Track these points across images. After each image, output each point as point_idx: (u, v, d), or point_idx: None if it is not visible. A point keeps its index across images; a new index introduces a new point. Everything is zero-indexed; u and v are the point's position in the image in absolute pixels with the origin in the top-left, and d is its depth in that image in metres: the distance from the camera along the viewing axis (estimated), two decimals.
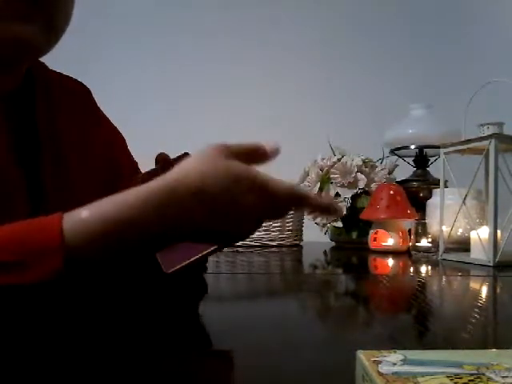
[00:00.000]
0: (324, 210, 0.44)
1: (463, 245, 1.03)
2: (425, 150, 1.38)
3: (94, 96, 0.72)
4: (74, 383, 0.28)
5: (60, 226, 0.36)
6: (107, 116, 0.74)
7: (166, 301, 0.51)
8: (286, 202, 0.42)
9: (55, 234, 0.36)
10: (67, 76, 0.67)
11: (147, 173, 0.52)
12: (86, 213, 0.37)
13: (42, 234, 0.36)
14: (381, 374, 0.22)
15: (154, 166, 0.53)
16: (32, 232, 0.36)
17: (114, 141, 0.73)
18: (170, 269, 0.47)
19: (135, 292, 0.51)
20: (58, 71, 0.67)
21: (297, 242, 1.32)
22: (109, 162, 0.70)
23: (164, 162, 0.51)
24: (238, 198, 0.39)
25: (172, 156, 0.51)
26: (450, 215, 1.02)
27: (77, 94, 0.68)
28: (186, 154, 0.52)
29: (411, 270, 0.90)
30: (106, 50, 1.81)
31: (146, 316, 0.45)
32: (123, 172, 0.73)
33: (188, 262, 0.47)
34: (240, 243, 1.18)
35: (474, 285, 0.75)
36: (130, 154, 0.76)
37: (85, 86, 0.70)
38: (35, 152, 0.57)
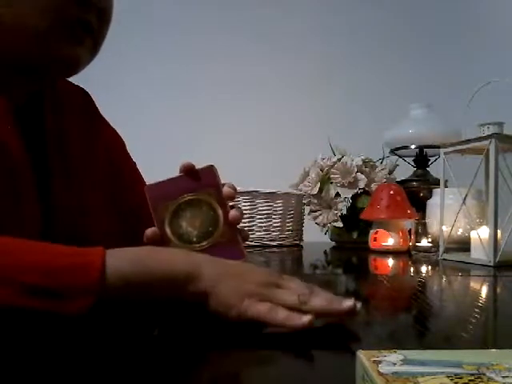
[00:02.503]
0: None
1: (463, 245, 1.03)
2: (425, 149, 1.38)
3: (94, 100, 0.73)
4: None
5: (102, 270, 0.38)
6: (107, 118, 0.75)
7: (166, 304, 0.51)
8: None
9: (95, 277, 0.37)
10: (70, 82, 0.69)
11: (171, 179, 0.54)
12: (128, 265, 0.40)
13: (82, 274, 0.37)
14: (381, 374, 0.22)
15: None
16: (74, 267, 0.38)
17: (114, 143, 0.75)
18: None
19: None
20: None
21: (297, 242, 1.32)
22: (109, 162, 0.71)
23: (189, 171, 0.54)
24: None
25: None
26: (450, 215, 1.02)
27: (78, 99, 0.69)
28: (211, 166, 0.54)
29: (411, 269, 0.90)
30: (106, 50, 1.80)
31: (150, 316, 0.45)
32: (123, 172, 0.75)
33: None
34: None
35: (474, 285, 0.75)
36: (128, 155, 0.78)
37: (86, 91, 0.72)
38: (43, 150, 0.59)
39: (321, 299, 0.40)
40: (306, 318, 0.37)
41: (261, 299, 0.40)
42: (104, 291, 0.37)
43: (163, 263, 0.42)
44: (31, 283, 0.36)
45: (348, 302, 0.40)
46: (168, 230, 0.53)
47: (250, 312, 0.39)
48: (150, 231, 0.53)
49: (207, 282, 0.41)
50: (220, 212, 0.54)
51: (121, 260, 0.40)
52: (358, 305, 0.41)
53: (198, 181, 0.54)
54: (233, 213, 0.54)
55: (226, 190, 0.55)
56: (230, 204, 0.56)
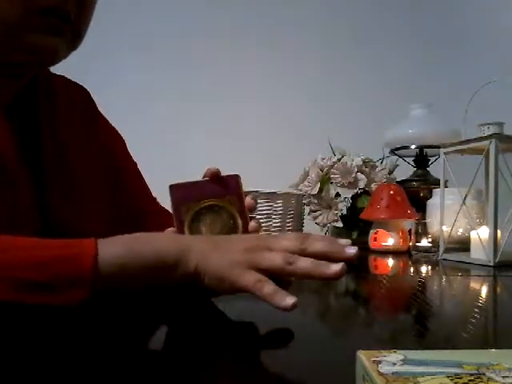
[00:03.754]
0: None
1: (463, 245, 1.03)
2: (425, 150, 1.38)
3: (93, 98, 0.72)
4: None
5: (94, 259, 0.38)
6: (108, 117, 0.74)
7: (167, 301, 0.51)
8: None
9: (88, 267, 0.37)
10: (68, 79, 0.68)
11: (195, 182, 0.54)
12: (119, 251, 0.40)
13: (75, 264, 0.37)
14: (381, 374, 0.22)
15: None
16: (67, 258, 0.38)
17: (113, 141, 0.74)
18: None
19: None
20: (58, 74, 0.67)
21: None
22: (108, 161, 0.70)
23: (214, 177, 0.54)
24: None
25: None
26: (450, 215, 1.02)
27: (77, 97, 0.69)
28: (236, 175, 0.55)
29: (411, 269, 0.90)
30: (107, 50, 1.80)
31: (150, 314, 0.45)
32: (123, 172, 0.74)
33: None
34: None
35: (474, 285, 0.75)
36: (129, 154, 0.77)
37: (84, 88, 0.71)
38: (38, 151, 0.58)
39: (306, 262, 0.40)
40: (290, 301, 0.38)
41: (249, 266, 0.40)
42: (98, 279, 0.37)
43: (153, 246, 0.42)
44: (25, 278, 0.35)
45: (334, 267, 0.40)
46: (187, 232, 0.53)
47: (238, 283, 0.39)
48: (169, 230, 0.54)
49: (197, 261, 0.41)
50: (239, 222, 0.54)
51: (112, 246, 0.40)
52: (345, 269, 0.40)
53: (222, 188, 0.54)
54: (252, 224, 0.54)
55: (248, 200, 0.55)
56: (250, 216, 0.56)
